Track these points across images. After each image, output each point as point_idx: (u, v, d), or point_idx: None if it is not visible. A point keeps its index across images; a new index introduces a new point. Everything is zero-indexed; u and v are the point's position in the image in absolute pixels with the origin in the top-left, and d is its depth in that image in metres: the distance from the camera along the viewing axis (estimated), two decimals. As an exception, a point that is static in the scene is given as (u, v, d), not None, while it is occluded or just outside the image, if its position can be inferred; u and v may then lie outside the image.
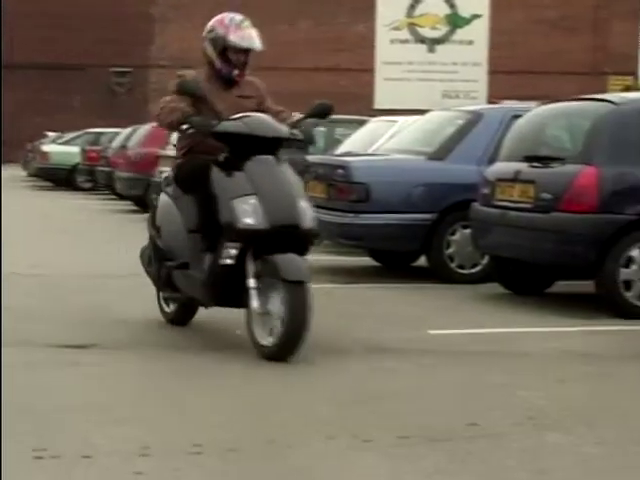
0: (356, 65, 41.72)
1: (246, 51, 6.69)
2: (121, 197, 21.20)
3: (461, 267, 9.72)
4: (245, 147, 6.32)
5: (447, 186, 9.76)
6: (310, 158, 11.46)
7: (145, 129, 20.74)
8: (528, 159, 8.59)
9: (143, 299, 7.46)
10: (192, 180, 6.60)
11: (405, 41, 41.84)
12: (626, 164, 8.08)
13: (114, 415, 4.81)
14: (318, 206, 10.37)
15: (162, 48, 42.44)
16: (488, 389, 5.55)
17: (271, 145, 6.36)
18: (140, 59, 42.65)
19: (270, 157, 6.32)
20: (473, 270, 9.72)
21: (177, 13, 41.65)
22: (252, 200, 6.14)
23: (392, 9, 41.52)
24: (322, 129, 15.08)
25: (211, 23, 6.76)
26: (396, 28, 41.80)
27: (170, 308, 7.16)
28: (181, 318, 7.10)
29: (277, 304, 5.96)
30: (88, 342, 6.37)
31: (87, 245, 12.75)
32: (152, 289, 7.11)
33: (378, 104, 40.09)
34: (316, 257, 10.54)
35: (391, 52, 41.98)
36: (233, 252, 6.15)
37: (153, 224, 7.04)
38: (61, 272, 9.66)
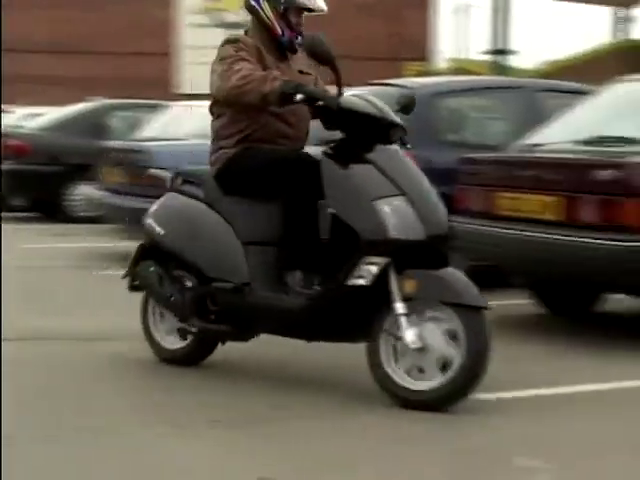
0: (159, 49, 41.35)
1: (301, 13, 5.37)
2: None
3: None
4: (360, 133, 5.05)
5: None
6: (110, 144, 11.41)
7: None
8: (328, 143, 8.73)
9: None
10: (269, 178, 5.22)
11: (205, 25, 41.76)
12: (419, 147, 8.31)
13: None
14: (118, 191, 10.36)
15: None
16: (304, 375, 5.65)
17: (386, 134, 5.06)
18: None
19: (397, 147, 5.08)
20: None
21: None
22: (398, 202, 4.82)
23: (193, -7, 41.43)
24: (124, 114, 14.98)
25: None
26: (197, 12, 41.70)
27: (179, 343, 5.54)
28: (194, 356, 5.53)
29: (437, 337, 4.67)
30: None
31: None
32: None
33: (181, 89, 39.89)
34: (115, 243, 10.47)
35: (192, 36, 41.82)
36: (374, 270, 4.73)
37: (152, 233, 5.49)
38: None
